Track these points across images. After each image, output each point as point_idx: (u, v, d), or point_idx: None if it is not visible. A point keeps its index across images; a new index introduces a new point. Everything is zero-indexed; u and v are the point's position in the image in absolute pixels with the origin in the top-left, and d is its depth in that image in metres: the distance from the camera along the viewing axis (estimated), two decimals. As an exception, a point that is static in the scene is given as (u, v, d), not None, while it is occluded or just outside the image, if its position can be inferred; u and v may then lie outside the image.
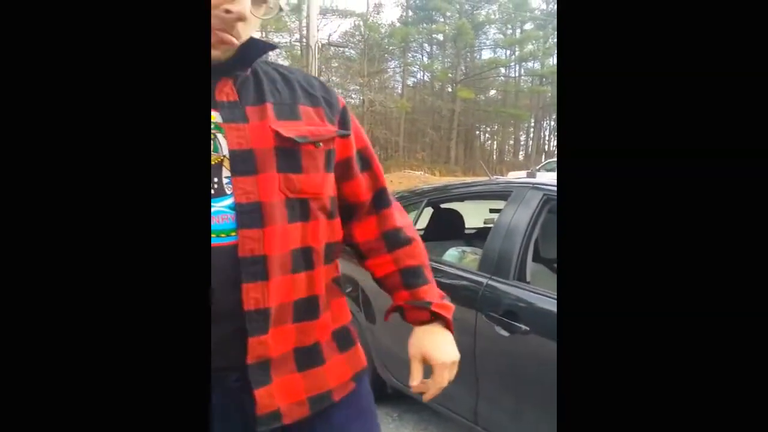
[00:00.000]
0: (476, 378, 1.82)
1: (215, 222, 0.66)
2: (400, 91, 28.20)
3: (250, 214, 0.67)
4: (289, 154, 0.70)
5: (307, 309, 0.73)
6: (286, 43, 22.12)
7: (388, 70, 28.30)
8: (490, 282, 1.85)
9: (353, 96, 25.05)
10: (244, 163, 0.68)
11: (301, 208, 0.72)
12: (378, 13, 26.88)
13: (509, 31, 31.61)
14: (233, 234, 0.66)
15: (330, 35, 23.98)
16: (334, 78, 24.08)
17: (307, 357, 0.74)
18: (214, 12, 0.65)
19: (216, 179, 0.67)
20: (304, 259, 0.72)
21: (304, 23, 19.54)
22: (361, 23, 24.94)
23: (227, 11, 0.66)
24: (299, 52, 21.45)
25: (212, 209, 0.66)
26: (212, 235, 0.65)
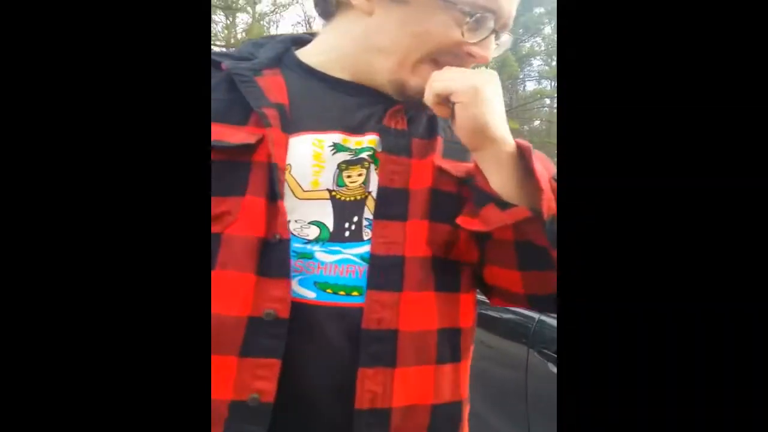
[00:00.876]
0: (527, 416, 1.78)
1: (338, 274, 0.51)
2: (443, 123, 28.45)
3: (387, 270, 0.51)
4: (447, 199, 0.55)
5: (446, 422, 0.53)
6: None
7: (432, 102, 28.66)
8: (542, 317, 1.82)
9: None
10: (394, 205, 0.53)
11: (453, 273, 0.55)
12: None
13: (554, 63, 31.51)
14: (358, 294, 0.50)
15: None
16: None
17: None
18: (450, 48, 0.55)
19: (356, 218, 0.53)
20: (450, 344, 0.54)
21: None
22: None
23: (470, 54, 0.55)
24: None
25: (340, 256, 0.51)
26: (328, 291, 0.50)
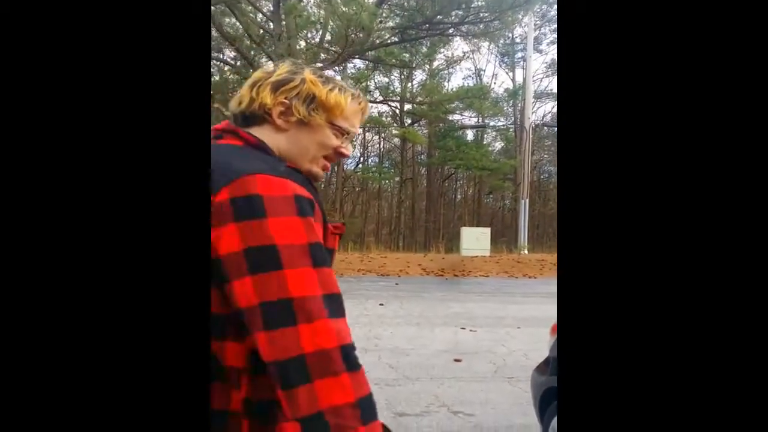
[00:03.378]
0: None
1: None
2: (617, 168, 26.52)
3: None
4: None
5: None
6: (502, 125, 23.07)
7: (605, 147, 27.01)
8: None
9: (566, 174, 24.39)
10: None
11: None
12: (594, 93, 26.14)
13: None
14: None
15: (544, 116, 24.35)
16: (545, 155, 24.08)
17: None
18: (336, 150, 0.94)
19: None
20: None
21: (519, 107, 20.27)
22: (577, 103, 24.60)
23: (341, 153, 0.95)
24: (513, 133, 22.13)
25: None
26: None
